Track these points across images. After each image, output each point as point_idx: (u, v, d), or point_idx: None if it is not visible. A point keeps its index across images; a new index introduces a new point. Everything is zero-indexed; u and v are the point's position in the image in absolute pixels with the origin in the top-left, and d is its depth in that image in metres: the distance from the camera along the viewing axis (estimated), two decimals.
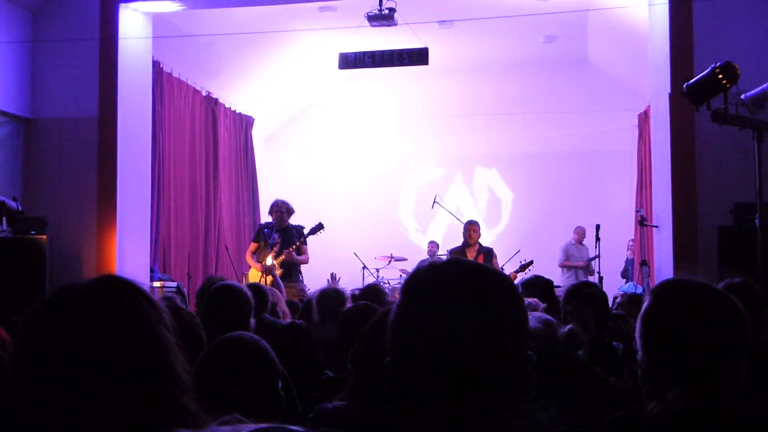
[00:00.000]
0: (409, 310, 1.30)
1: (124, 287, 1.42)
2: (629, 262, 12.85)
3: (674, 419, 1.73)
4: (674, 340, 1.84)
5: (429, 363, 1.25)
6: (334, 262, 13.50)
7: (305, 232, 9.47)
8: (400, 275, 13.12)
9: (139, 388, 1.30)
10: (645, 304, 1.94)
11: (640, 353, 1.92)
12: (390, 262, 13.23)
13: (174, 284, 10.18)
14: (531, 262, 9.93)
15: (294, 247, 9.29)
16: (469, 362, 1.24)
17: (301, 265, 9.68)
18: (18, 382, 1.29)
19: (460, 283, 1.29)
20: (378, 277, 12.99)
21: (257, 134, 15.03)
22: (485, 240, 11.25)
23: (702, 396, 1.75)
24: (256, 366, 2.32)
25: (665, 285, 2.01)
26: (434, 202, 13.23)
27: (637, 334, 1.94)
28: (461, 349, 1.24)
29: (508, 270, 10.41)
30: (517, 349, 1.27)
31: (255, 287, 5.10)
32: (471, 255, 9.72)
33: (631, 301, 6.33)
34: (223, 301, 3.81)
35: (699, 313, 1.84)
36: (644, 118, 12.61)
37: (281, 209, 9.56)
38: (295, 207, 9.85)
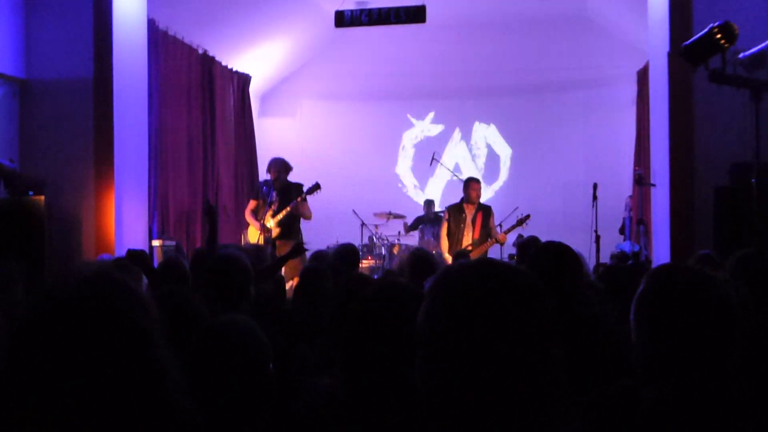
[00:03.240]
0: (442, 313, 1.36)
1: (113, 287, 1.39)
2: (627, 220, 12.84)
3: (668, 410, 1.76)
4: (667, 325, 1.86)
5: (465, 363, 1.31)
6: (333, 219, 13.59)
7: (303, 190, 9.46)
8: (398, 233, 13.14)
9: (130, 391, 1.30)
10: (640, 288, 1.96)
11: (633, 334, 1.94)
12: (389, 219, 13.24)
13: (173, 243, 10.21)
14: (528, 216, 9.92)
15: (296, 202, 9.28)
16: (504, 362, 1.30)
17: (301, 224, 9.67)
18: (6, 387, 1.28)
19: (489, 288, 1.35)
20: (377, 233, 13.00)
21: (254, 92, 14.94)
22: (483, 197, 11.22)
23: (694, 386, 1.77)
24: (246, 353, 2.31)
25: (661, 270, 2.02)
26: (432, 159, 13.22)
27: (631, 316, 1.95)
28: (496, 350, 1.30)
29: (506, 226, 10.41)
30: (549, 350, 1.34)
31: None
32: (469, 212, 9.72)
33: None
34: (222, 272, 3.80)
35: (693, 301, 1.86)
36: (643, 75, 12.53)
37: (279, 167, 9.54)
38: (293, 165, 9.83)
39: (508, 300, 1.33)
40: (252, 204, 9.76)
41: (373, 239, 12.95)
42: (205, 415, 1.39)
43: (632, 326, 1.95)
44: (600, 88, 14.20)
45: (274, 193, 9.47)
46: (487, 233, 9.63)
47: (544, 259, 3.25)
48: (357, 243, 13.37)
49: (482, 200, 10.28)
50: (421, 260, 5.57)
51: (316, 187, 9.40)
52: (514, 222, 10.11)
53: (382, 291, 2.39)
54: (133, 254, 5.59)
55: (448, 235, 9.72)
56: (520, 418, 1.30)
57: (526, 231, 10.02)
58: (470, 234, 9.59)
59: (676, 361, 1.83)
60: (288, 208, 9.27)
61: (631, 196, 12.86)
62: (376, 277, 10.67)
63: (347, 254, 6.37)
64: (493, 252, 10.42)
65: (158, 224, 10.82)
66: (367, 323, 2.26)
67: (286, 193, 9.43)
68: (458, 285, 1.37)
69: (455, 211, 9.78)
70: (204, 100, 12.63)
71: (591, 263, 10.48)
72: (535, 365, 1.31)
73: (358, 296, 2.45)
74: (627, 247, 10.89)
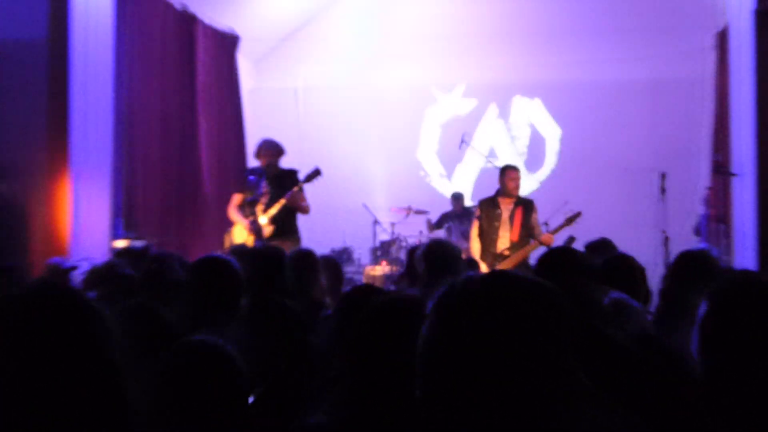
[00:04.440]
0: (444, 337, 1.44)
1: (67, 301, 1.44)
2: (703, 218, 12.78)
3: None
4: (741, 354, 1.82)
5: (468, 392, 1.38)
6: (340, 215, 13.60)
7: (301, 179, 9.43)
8: (420, 233, 13.12)
9: (86, 419, 1.35)
10: (702, 310, 1.93)
11: (699, 367, 1.92)
12: (408, 214, 13.21)
13: (142, 243, 10.22)
14: (578, 214, 9.88)
15: (292, 193, 9.26)
16: (513, 394, 1.36)
17: (298, 220, 9.67)
18: None
19: (499, 307, 1.41)
20: (393, 232, 12.99)
21: (244, 57, 14.92)
22: (525, 189, 11.19)
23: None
24: (216, 382, 2.34)
25: (726, 286, 1.96)
26: (462, 141, 13.18)
27: (693, 346, 1.93)
28: (503, 377, 1.37)
29: (553, 224, 10.37)
30: (563, 368, 1.41)
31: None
32: (506, 207, 9.64)
33: None
34: (208, 280, 3.84)
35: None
36: (723, 39, 12.45)
37: (270, 151, 9.53)
38: (289, 148, 9.82)
39: (521, 323, 1.39)
40: (237, 198, 9.72)
41: (389, 242, 12.93)
42: None
43: (696, 357, 1.93)
44: (669, 55, 14.09)
45: (265, 183, 9.46)
46: (528, 233, 9.57)
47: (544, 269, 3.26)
48: (368, 244, 13.40)
49: (523, 193, 10.22)
50: (437, 257, 5.55)
51: (315, 173, 9.37)
52: (562, 220, 10.07)
53: (387, 307, 2.42)
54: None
55: (481, 235, 9.65)
56: None
57: (577, 230, 9.99)
58: (507, 234, 9.52)
59: (752, 393, 1.80)
60: (282, 201, 9.25)
61: (709, 188, 12.79)
62: (393, 287, 10.67)
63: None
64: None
65: (124, 220, 10.82)
66: (370, 347, 2.31)
67: (279, 182, 9.40)
68: (462, 304, 1.43)
69: (488, 206, 9.69)
70: (182, 67, 12.62)
71: (658, 270, 10.46)
72: (550, 397, 1.37)
73: (360, 313, 2.49)
74: (688, 250, 10.82)
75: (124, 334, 1.55)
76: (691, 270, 4.42)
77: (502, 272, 1.53)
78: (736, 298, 1.89)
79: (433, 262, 5.51)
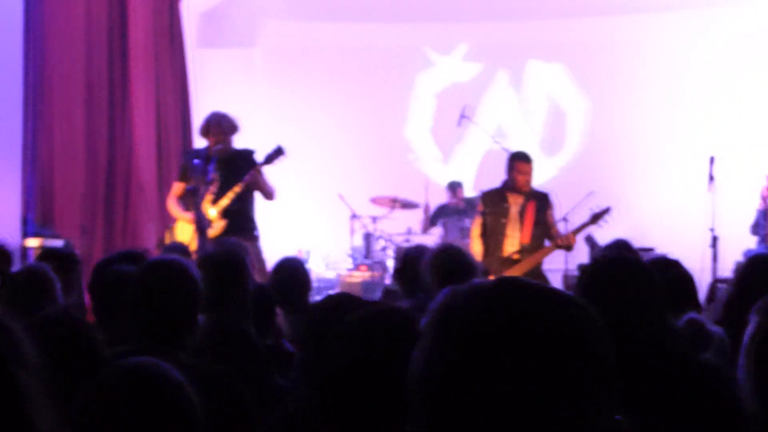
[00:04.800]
0: (441, 360, 1.41)
1: None
2: (763, 214, 12.80)
3: None
4: None
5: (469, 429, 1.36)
6: (308, 207, 13.58)
7: (260, 160, 9.40)
8: (408, 230, 13.11)
9: None
10: (750, 327, 1.95)
11: (749, 398, 1.93)
12: (393, 207, 13.19)
13: (59, 242, 10.19)
14: (607, 210, 9.86)
15: (249, 177, 9.22)
16: (528, 425, 1.35)
17: (255, 214, 9.65)
18: None
19: (512, 324, 1.39)
20: (375, 230, 12.98)
21: (189, 10, 14.82)
22: (542, 176, 11.15)
23: None
24: (159, 419, 2.33)
25: None
26: (462, 116, 13.16)
27: (740, 371, 1.95)
28: (514, 412, 1.35)
29: (574, 221, 10.36)
30: (593, 404, 1.39)
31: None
32: (515, 201, 9.65)
33: None
34: (158, 289, 3.80)
35: None
36: None
37: (220, 127, 9.48)
38: (245, 123, 9.79)
39: (539, 345, 1.36)
40: (178, 187, 9.64)
41: (369, 239, 12.91)
42: None
43: (744, 384, 1.97)
44: (723, 6, 14.11)
45: (213, 168, 9.41)
46: (543, 233, 9.55)
47: (599, 280, 3.25)
48: (344, 244, 13.36)
49: (539, 181, 10.16)
50: (452, 269, 5.56)
51: (277, 153, 9.32)
52: (586, 214, 10.04)
53: (368, 322, 2.44)
54: None
55: (483, 235, 9.64)
56: None
57: (605, 228, 9.99)
58: (517, 234, 9.49)
59: None
60: (237, 188, 9.21)
61: None
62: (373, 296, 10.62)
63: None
64: (556, 260, 10.36)
65: (37, 213, 10.79)
66: (348, 372, 2.33)
67: (232, 166, 9.37)
68: (464, 319, 1.41)
69: (494, 199, 9.64)
70: (111, 22, 12.55)
71: (706, 278, 10.47)
72: None
73: (335, 330, 2.51)
74: (763, 251, 10.85)
75: (40, 351, 1.52)
76: (757, 279, 4.38)
77: (515, 280, 1.51)
78: None
79: (446, 274, 5.51)
